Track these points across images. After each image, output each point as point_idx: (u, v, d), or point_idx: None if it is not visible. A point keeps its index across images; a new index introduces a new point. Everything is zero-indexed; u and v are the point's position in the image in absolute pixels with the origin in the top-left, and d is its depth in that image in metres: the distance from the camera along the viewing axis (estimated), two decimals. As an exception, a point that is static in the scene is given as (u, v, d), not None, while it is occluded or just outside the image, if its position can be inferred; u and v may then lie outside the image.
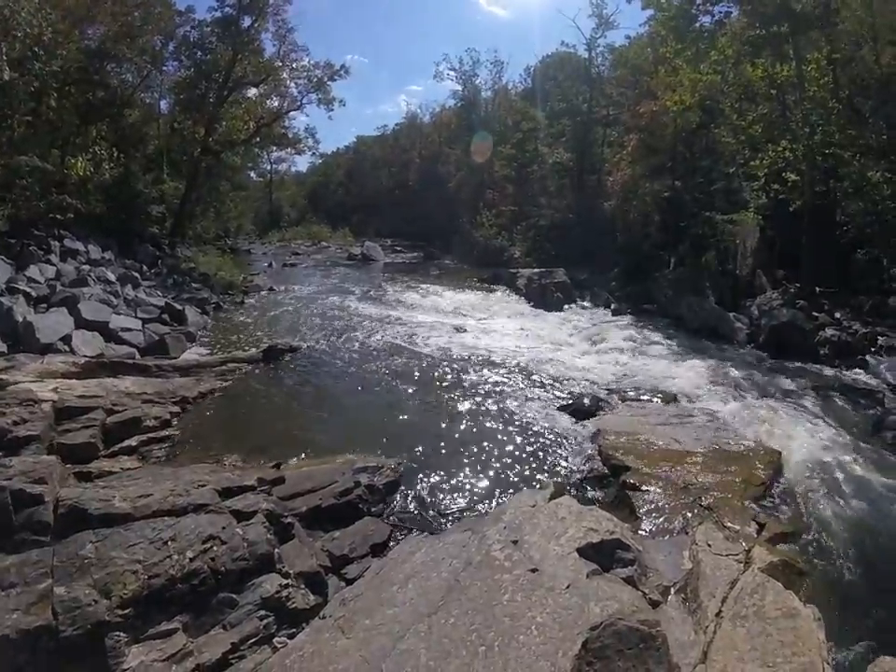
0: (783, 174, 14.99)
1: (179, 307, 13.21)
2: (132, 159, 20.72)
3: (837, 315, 13.65)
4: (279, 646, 3.84)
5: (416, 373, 10.42)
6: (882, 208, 13.03)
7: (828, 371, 11.13)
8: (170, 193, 22.70)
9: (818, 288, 14.96)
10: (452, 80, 43.53)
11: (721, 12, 17.79)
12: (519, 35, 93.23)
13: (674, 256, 19.51)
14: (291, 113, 29.27)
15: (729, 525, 5.30)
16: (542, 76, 38.48)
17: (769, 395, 9.61)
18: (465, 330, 13.95)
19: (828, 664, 3.52)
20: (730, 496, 5.86)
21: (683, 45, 17.80)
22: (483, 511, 5.82)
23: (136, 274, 15.15)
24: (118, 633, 3.61)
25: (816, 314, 13.49)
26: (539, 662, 3.14)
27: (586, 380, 10.31)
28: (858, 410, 9.15)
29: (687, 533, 5.21)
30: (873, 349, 11.89)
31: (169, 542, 4.14)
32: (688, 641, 3.77)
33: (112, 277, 13.82)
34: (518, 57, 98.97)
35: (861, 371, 11.16)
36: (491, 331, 14.01)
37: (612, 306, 17.48)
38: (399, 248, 38.14)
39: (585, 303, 18.40)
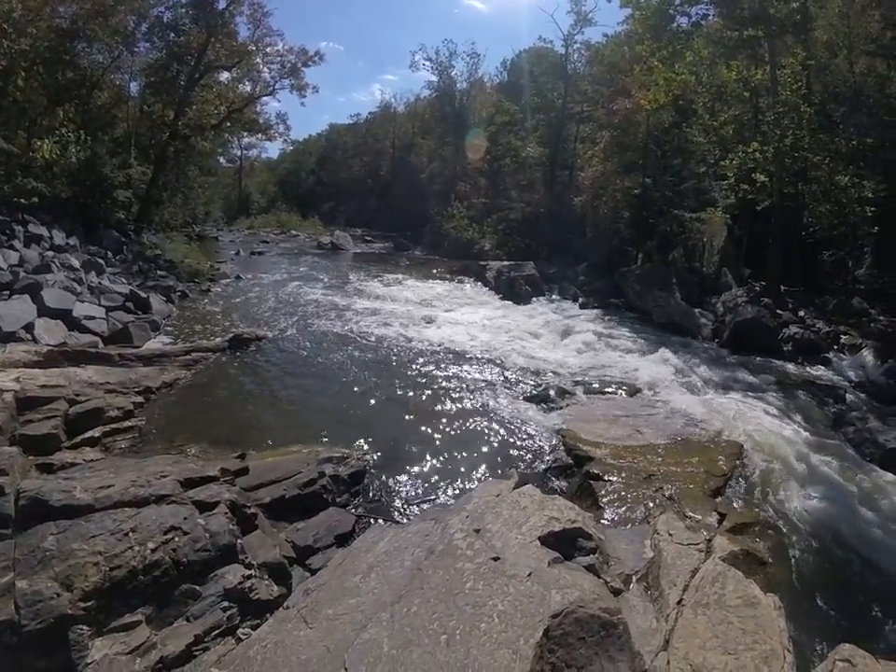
0: (753, 174, 15.26)
1: (144, 295, 12.92)
2: (99, 142, 20.10)
3: (801, 313, 14.02)
4: (243, 637, 3.81)
5: (383, 364, 10.41)
6: (849, 211, 13.35)
7: (791, 368, 11.40)
8: (137, 178, 22.12)
9: (783, 287, 15.34)
10: (427, 70, 43.17)
11: (698, 14, 18.04)
12: (496, 28, 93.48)
13: (642, 252, 19.89)
14: (263, 98, 29.14)
15: (690, 514, 5.42)
16: (518, 70, 38.44)
17: (732, 389, 9.83)
18: (433, 321, 13.96)
19: (789, 651, 3.58)
20: (691, 486, 5.99)
21: (659, 44, 17.95)
22: (448, 501, 5.86)
23: (101, 261, 14.72)
24: (81, 626, 3.56)
25: (780, 311, 13.80)
26: (501, 650, 3.15)
27: (552, 372, 10.42)
28: (819, 405, 9.38)
29: (649, 522, 5.30)
30: (835, 347, 12.24)
31: (130, 533, 4.07)
32: (649, 629, 3.83)
33: (76, 264, 13.42)
34: (495, 50, 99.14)
35: (824, 368, 11.47)
36: (459, 323, 14.03)
37: (580, 300, 17.61)
38: (368, 238, 37.91)
39: (553, 297, 18.52)
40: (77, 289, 11.75)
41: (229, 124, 27.65)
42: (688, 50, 17.21)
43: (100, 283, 13.01)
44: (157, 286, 14.87)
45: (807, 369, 11.38)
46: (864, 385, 10.45)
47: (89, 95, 22.06)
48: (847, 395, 9.81)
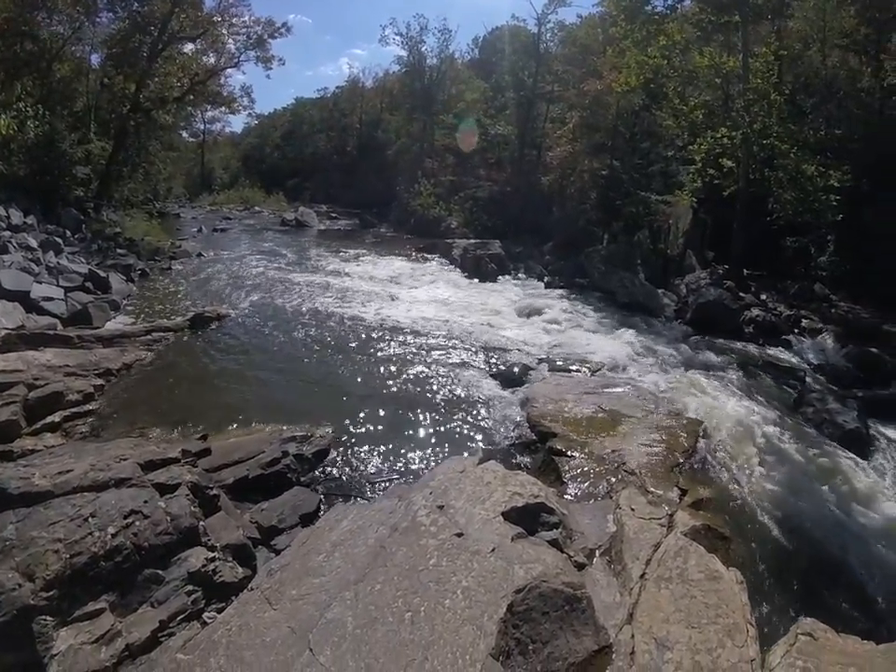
0: (720, 159, 15.42)
1: (103, 274, 12.68)
2: (58, 116, 19.27)
3: (763, 296, 14.32)
4: (208, 621, 3.79)
5: (346, 342, 10.37)
6: (814, 199, 13.58)
7: (752, 349, 11.64)
8: (97, 153, 21.32)
9: (746, 271, 15.65)
10: (397, 45, 42.46)
11: (674, -2, 17.97)
12: (469, 5, 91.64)
13: (608, 232, 20.09)
14: (227, 70, 28.39)
15: (652, 490, 5.51)
16: (490, 47, 37.95)
17: (694, 368, 10.01)
18: (397, 299, 13.97)
19: (751, 625, 3.68)
20: (653, 462, 6.08)
21: (633, 27, 17.87)
22: (413, 478, 5.88)
23: (59, 240, 14.26)
24: (44, 617, 3.49)
25: (743, 294, 14.07)
26: (465, 626, 3.17)
27: (517, 350, 10.50)
28: (780, 386, 9.64)
29: (611, 497, 5.39)
30: (796, 330, 12.50)
31: (90, 519, 3.98)
32: (613, 603, 3.90)
33: (34, 244, 12.96)
34: (467, 27, 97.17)
35: (784, 350, 11.73)
36: (424, 301, 14.02)
37: (546, 279, 17.61)
38: (334, 215, 37.18)
39: (519, 276, 18.53)
40: (34, 270, 11.45)
41: (192, 97, 26.75)
42: (661, 34, 17.20)
43: (58, 263, 12.64)
44: (116, 264, 14.58)
45: (768, 350, 11.63)
46: (824, 368, 10.69)
47: (48, 68, 21.17)
48: (806, 377, 10.06)
